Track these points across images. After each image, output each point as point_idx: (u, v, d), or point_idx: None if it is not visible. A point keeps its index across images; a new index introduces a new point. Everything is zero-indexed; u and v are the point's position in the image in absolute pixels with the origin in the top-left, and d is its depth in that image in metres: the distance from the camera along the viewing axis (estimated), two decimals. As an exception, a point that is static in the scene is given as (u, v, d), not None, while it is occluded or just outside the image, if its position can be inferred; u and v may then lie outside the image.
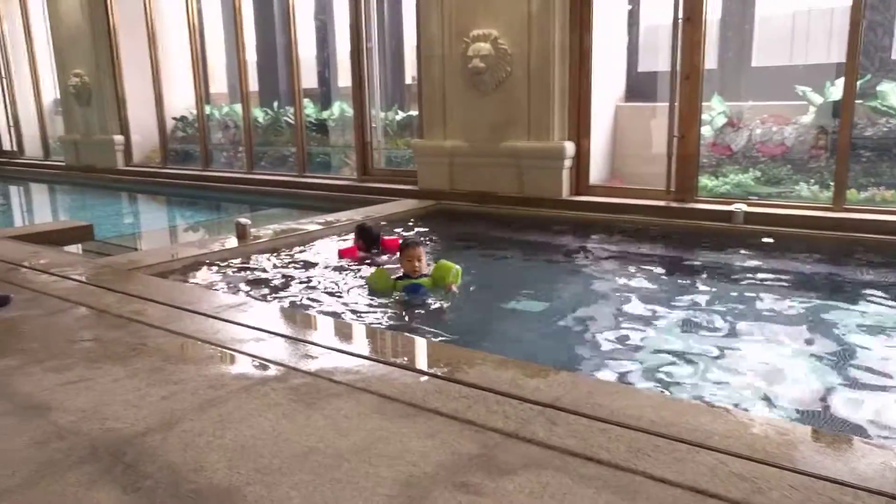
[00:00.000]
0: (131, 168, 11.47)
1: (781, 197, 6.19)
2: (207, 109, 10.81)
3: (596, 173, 6.98)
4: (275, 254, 5.25)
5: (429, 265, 4.29)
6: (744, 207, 5.78)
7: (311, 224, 6.17)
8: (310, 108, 9.93)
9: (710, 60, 6.78)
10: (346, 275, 4.67)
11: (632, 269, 4.85)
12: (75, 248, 5.98)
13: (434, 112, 7.44)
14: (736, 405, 2.64)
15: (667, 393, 2.83)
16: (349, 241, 5.42)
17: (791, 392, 2.86)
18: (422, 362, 2.67)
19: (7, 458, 2.01)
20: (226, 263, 4.91)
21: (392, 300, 4.05)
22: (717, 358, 3.20)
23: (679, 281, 4.62)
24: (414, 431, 2.08)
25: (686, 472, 1.81)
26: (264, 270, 4.82)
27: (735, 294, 4.20)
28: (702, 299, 4.10)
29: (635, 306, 4.02)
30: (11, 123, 14.66)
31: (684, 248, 5.54)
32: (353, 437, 2.06)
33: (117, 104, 11.36)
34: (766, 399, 2.79)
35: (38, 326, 3.24)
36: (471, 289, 4.28)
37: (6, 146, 15.02)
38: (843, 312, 3.83)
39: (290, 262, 5.05)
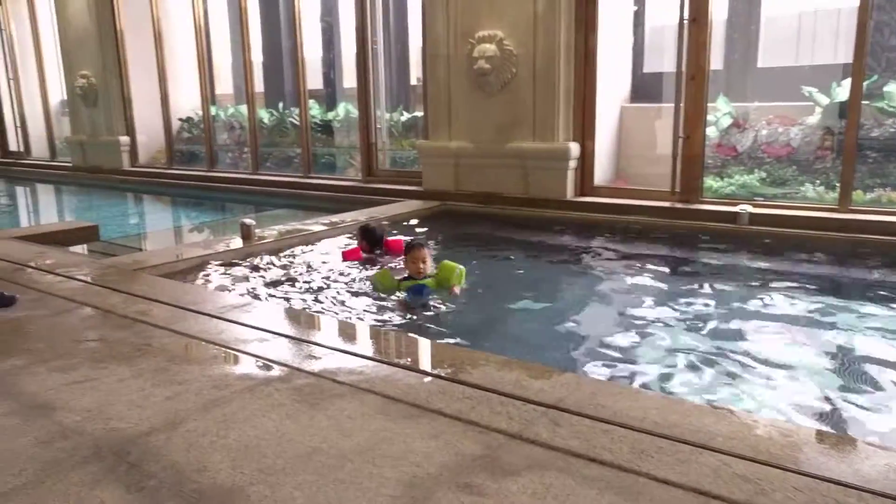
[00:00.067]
0: (137, 169, 11.52)
1: (787, 198, 6.17)
2: (213, 110, 10.84)
3: (601, 174, 6.98)
4: (279, 254, 5.26)
5: (433, 266, 4.29)
6: (749, 208, 5.77)
7: (315, 225, 6.17)
8: (315, 109, 9.94)
9: (716, 61, 6.77)
10: (350, 275, 4.67)
11: (636, 269, 4.84)
12: (81, 249, 6.00)
13: (439, 113, 7.44)
14: (740, 406, 2.62)
15: (670, 394, 2.82)
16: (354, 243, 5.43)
17: (796, 393, 2.85)
18: (425, 363, 2.67)
19: (12, 457, 2.02)
20: (231, 264, 4.92)
21: (396, 301, 4.06)
22: (720, 359, 3.19)
23: (683, 282, 4.60)
24: (417, 432, 2.08)
25: (689, 474, 1.81)
26: (269, 271, 4.83)
27: (740, 295, 4.19)
28: (706, 300, 4.09)
29: (640, 307, 4.01)
30: (18, 124, 14.75)
31: (689, 250, 5.53)
32: (356, 437, 2.06)
33: (123, 105, 11.43)
34: (771, 400, 2.78)
35: (43, 326, 3.25)
36: (477, 291, 4.28)
37: (13, 147, 15.12)
38: (849, 313, 3.81)
39: (294, 263, 5.06)
